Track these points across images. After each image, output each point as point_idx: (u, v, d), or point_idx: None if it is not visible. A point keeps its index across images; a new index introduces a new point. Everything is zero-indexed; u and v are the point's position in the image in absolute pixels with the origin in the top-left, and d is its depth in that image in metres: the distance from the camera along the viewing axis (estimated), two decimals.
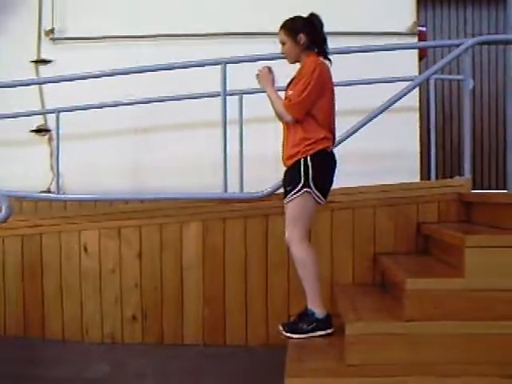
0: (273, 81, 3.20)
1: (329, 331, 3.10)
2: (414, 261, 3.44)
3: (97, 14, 5.33)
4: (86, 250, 3.86)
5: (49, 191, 5.34)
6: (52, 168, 5.36)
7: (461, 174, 3.98)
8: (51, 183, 5.37)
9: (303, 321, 3.12)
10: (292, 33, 3.12)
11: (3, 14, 5.42)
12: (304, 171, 3.02)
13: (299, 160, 3.04)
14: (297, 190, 3.03)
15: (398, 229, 3.71)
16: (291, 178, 3.09)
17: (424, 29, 5.55)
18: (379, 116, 3.68)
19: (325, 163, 3.11)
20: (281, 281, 3.72)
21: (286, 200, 3.09)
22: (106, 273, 3.84)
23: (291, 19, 3.16)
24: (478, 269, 2.69)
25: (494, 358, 2.62)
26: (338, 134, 3.60)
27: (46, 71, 5.40)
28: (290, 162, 3.10)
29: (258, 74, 3.23)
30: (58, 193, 5.17)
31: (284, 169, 3.18)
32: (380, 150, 4.96)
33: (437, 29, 6.26)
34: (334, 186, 3.68)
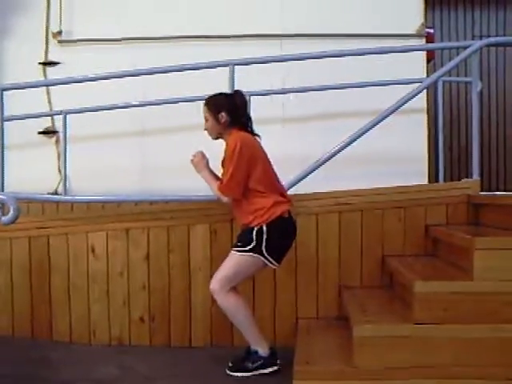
0: (207, 164, 3.23)
1: (274, 368, 3.12)
2: (422, 263, 3.43)
3: (104, 16, 5.35)
4: (93, 251, 3.86)
5: (56, 193, 5.35)
6: (59, 170, 5.38)
7: (469, 175, 3.97)
8: (58, 185, 5.38)
9: (248, 359, 3.15)
10: (214, 111, 3.11)
11: (11, 17, 5.44)
12: (257, 239, 3.01)
13: (254, 227, 3.04)
14: (245, 250, 3.03)
15: (406, 231, 3.70)
16: (243, 237, 3.08)
17: (432, 31, 5.53)
18: (387, 118, 3.66)
19: (282, 230, 3.08)
20: (288, 282, 3.71)
21: (232, 250, 3.09)
22: (113, 274, 3.84)
23: (213, 96, 3.17)
24: (487, 271, 2.69)
25: (504, 361, 2.62)
26: (346, 136, 3.61)
27: (53, 73, 5.41)
28: (245, 228, 3.10)
29: (192, 160, 3.26)
30: (66, 194, 5.17)
31: None
32: (388, 152, 4.95)
33: (444, 31, 6.24)
34: (343, 187, 3.69)
